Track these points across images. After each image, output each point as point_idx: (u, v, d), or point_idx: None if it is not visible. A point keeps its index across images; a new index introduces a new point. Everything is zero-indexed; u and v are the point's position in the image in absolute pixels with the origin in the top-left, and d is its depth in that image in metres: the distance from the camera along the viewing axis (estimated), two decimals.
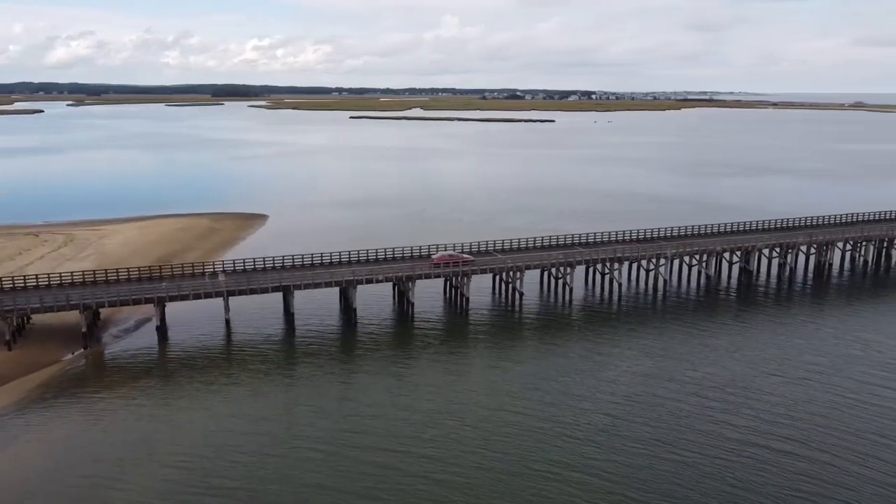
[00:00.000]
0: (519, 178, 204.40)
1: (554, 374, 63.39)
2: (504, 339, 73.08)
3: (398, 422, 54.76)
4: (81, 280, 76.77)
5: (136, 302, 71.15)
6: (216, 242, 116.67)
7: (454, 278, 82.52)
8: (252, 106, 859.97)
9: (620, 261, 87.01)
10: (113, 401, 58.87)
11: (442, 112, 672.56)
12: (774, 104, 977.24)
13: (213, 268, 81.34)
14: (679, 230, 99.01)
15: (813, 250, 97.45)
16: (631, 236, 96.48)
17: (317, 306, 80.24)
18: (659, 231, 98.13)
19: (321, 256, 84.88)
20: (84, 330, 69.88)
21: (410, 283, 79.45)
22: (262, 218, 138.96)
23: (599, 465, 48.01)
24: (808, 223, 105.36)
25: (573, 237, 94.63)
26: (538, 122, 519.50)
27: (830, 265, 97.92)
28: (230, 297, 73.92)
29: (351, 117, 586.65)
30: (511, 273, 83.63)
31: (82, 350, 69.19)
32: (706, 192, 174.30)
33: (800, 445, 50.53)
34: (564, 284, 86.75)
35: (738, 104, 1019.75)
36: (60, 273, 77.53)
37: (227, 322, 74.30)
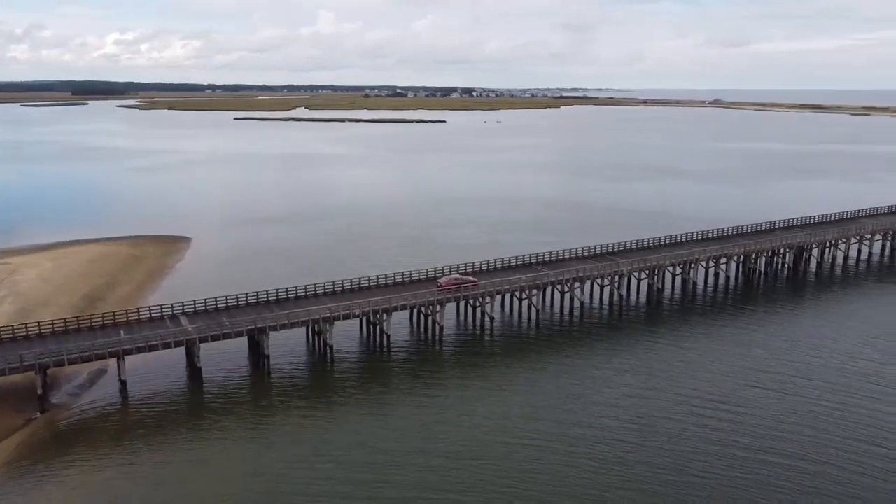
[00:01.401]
0: (437, 186, 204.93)
1: (552, 400, 64.33)
2: (487, 366, 73.20)
3: (415, 459, 53.75)
4: (24, 333, 69.24)
5: (99, 357, 65.02)
6: (145, 273, 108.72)
7: (424, 307, 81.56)
8: (122, 106, 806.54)
9: (583, 280, 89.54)
10: (102, 470, 53.81)
11: (330, 112, 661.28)
12: (644, 101, 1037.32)
13: (172, 310, 75.75)
14: (627, 245, 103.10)
15: (742, 259, 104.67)
16: (582, 253, 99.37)
17: (289, 345, 76.75)
18: (609, 246, 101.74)
19: (287, 291, 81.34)
20: (40, 392, 63.19)
21: (385, 315, 77.85)
22: (185, 241, 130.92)
23: (624, 496, 49.34)
24: (737, 231, 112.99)
25: (530, 257, 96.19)
26: (430, 123, 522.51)
27: (761, 272, 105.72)
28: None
29: (236, 118, 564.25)
30: (480, 298, 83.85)
31: (40, 414, 62.42)
32: (622, 197, 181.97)
33: (801, 459, 54.21)
34: (530, 305, 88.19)
35: (611, 101, 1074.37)
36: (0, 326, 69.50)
37: (199, 370, 69.59)
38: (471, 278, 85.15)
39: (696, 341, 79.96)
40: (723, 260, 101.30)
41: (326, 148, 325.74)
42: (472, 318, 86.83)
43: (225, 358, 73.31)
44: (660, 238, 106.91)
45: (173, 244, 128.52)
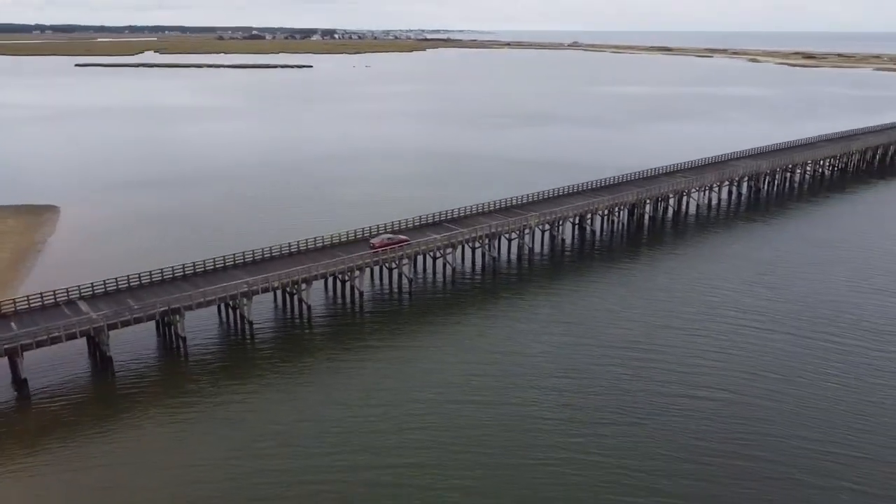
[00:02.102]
0: (320, 140, 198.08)
1: (485, 357, 65.71)
2: (413, 329, 73.13)
3: (368, 434, 53.40)
4: None
5: None
6: (12, 251, 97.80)
7: (343, 274, 79.71)
8: None
9: (494, 236, 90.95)
10: (21, 480, 49.06)
11: (184, 56, 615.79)
12: (507, 44, 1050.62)
13: (68, 294, 68.96)
14: (527, 197, 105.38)
15: (632, 206, 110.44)
16: (486, 208, 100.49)
17: (202, 324, 72.43)
18: (511, 200, 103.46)
19: (194, 266, 76.31)
20: None
21: (304, 285, 75.41)
22: (51, 210, 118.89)
23: (578, 444, 51.90)
24: (626, 179, 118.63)
25: (437, 215, 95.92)
26: (297, 69, 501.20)
27: (649, 217, 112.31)
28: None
29: (77, 65, 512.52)
30: (397, 260, 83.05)
31: None
32: (509, 146, 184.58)
33: (721, 391, 59.44)
34: (445, 264, 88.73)
35: (475, 44, 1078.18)
36: None
37: (110, 359, 64.34)
38: (402, 237, 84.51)
39: (606, 288, 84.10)
40: (617, 208, 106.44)
41: (190, 99, 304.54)
42: (390, 280, 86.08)
43: (134, 344, 68.17)
44: (557, 189, 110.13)
45: (38, 215, 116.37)
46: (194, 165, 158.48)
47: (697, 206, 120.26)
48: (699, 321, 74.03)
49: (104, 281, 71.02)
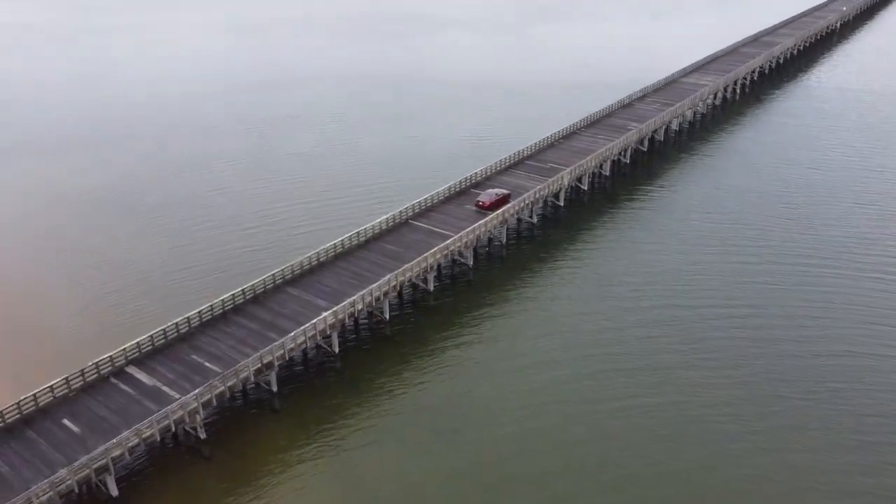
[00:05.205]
0: (212, 63, 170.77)
1: (608, 350, 60.25)
2: (503, 319, 65.56)
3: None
4: None
5: (83, 481, 43.53)
6: None
7: (417, 276, 68.35)
8: None
9: (538, 201, 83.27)
10: None
11: None
12: None
13: (112, 363, 53.01)
14: (541, 144, 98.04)
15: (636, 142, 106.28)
16: (504, 163, 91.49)
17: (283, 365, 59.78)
18: (522, 153, 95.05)
19: (244, 293, 61.89)
20: None
21: (384, 298, 64.36)
22: None
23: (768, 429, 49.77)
24: (608, 112, 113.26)
25: (463, 182, 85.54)
26: None
27: (641, 152, 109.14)
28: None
29: None
30: (463, 249, 72.94)
31: None
32: (429, 61, 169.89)
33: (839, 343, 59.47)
34: (490, 239, 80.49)
35: None
36: None
37: (203, 441, 51.13)
38: (504, 190, 77.92)
39: (657, 239, 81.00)
40: (628, 149, 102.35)
41: None
42: (438, 269, 75.97)
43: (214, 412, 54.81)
44: (558, 133, 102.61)
45: None
46: (57, 115, 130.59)
47: (675, 132, 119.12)
48: (763, 268, 73.54)
49: (151, 336, 55.48)
